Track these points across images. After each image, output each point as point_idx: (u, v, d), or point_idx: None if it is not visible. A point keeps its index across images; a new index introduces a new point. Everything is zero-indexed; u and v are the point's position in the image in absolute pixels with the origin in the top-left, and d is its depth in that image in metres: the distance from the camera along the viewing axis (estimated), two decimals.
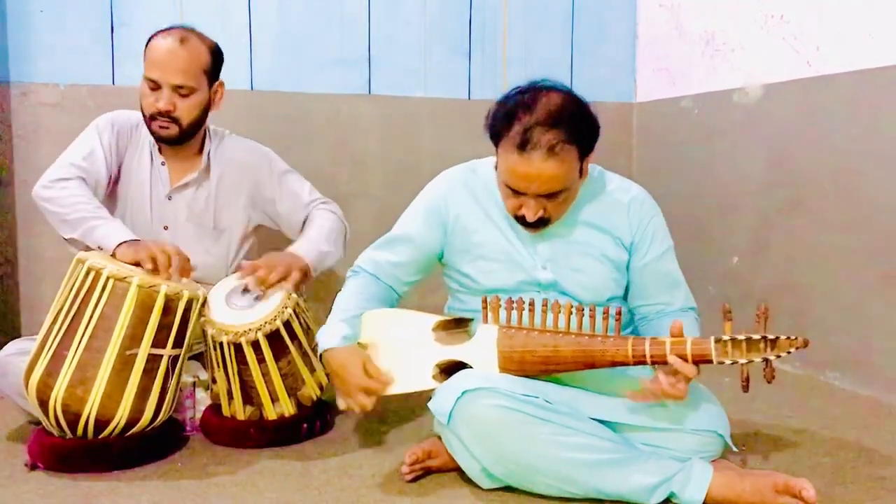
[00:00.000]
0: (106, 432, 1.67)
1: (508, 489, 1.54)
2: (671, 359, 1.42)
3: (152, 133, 2.01)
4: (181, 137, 2.00)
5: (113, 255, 1.79)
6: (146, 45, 1.98)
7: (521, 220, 1.59)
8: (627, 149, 3.20)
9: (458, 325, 1.63)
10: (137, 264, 1.76)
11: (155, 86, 1.95)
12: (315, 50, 2.80)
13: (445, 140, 2.92)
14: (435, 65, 2.93)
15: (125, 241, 1.80)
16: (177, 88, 1.95)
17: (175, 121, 1.96)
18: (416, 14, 2.90)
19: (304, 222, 2.14)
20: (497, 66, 2.97)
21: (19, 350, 1.83)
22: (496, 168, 1.61)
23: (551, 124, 1.46)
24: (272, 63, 2.75)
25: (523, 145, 1.46)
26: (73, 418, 1.64)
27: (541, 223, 1.58)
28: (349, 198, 2.86)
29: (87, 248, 1.85)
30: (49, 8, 2.54)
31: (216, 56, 2.05)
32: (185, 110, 1.97)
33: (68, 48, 2.56)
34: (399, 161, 2.91)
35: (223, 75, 2.08)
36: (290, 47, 2.77)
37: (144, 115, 2.00)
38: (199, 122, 2.03)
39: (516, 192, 1.54)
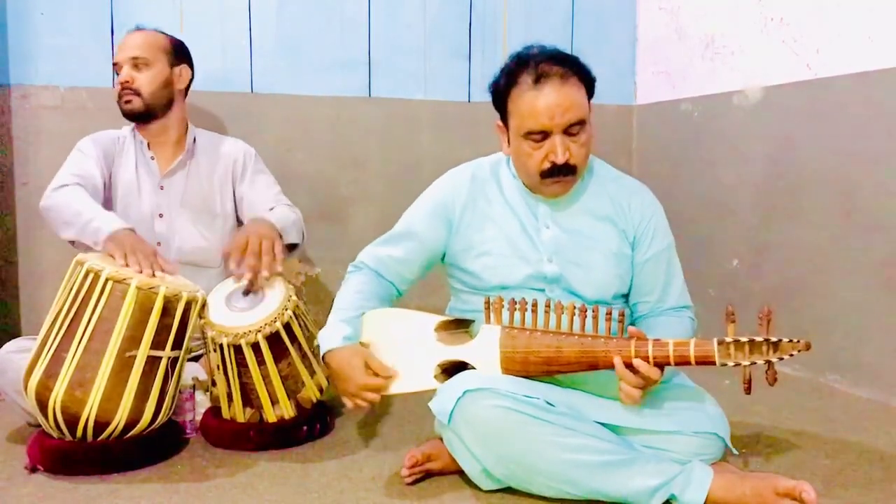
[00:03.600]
0: (105, 434, 1.67)
1: (509, 491, 1.54)
2: (636, 362, 1.44)
3: (122, 111, 2.11)
4: (147, 111, 2.10)
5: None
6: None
7: (549, 173, 1.59)
8: (627, 151, 3.19)
9: (459, 326, 1.63)
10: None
11: (118, 68, 2.12)
12: (315, 52, 2.80)
13: (446, 142, 2.92)
14: (435, 67, 2.93)
15: (113, 232, 1.82)
16: (132, 60, 2.09)
17: (136, 92, 2.08)
18: (417, 16, 2.90)
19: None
20: (497, 68, 2.95)
21: (18, 348, 1.84)
22: (508, 144, 1.66)
23: (557, 61, 1.59)
24: (272, 66, 2.75)
25: (538, 79, 1.56)
26: (72, 420, 1.64)
27: (569, 170, 1.59)
28: (349, 200, 2.87)
29: (88, 249, 1.86)
30: (49, 11, 2.54)
31: (176, 44, 2.19)
32: (144, 81, 2.09)
33: (68, 51, 2.56)
34: (399, 163, 2.91)
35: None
36: (291, 50, 2.77)
37: (118, 102, 2.12)
38: (161, 96, 2.12)
39: (540, 137, 1.57)
